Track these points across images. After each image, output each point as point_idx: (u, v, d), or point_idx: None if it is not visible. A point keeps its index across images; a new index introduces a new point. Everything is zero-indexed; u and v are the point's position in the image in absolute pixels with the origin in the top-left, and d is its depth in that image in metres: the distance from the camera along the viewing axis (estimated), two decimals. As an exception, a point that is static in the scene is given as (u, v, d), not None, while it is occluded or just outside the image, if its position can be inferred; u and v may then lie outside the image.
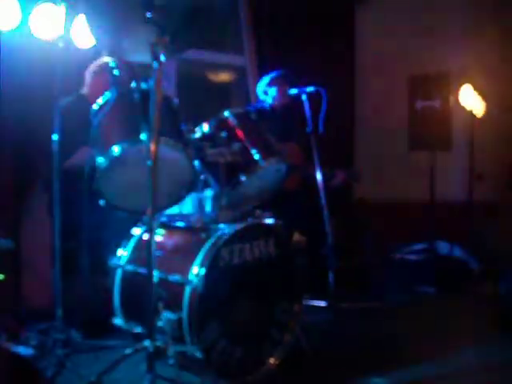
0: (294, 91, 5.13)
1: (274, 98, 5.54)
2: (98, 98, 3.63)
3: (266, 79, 5.61)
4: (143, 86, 3.41)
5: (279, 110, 5.57)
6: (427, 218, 6.41)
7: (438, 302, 5.54)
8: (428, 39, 6.87)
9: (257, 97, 5.74)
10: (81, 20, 4.34)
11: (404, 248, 6.49)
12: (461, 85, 6.32)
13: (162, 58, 3.00)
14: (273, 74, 5.59)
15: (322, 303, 4.84)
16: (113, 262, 3.78)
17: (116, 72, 3.74)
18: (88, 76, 4.57)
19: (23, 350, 3.72)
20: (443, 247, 6.36)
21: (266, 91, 5.59)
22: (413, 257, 6.33)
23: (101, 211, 3.63)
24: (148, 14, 3.01)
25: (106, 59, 4.49)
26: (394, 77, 6.91)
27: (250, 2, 6.41)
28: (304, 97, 5.01)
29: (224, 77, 7.20)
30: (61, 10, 3.77)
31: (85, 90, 4.59)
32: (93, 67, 4.57)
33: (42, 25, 4.42)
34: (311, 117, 5.00)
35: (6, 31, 4.43)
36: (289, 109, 5.54)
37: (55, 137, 3.65)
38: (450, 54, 6.69)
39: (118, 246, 3.84)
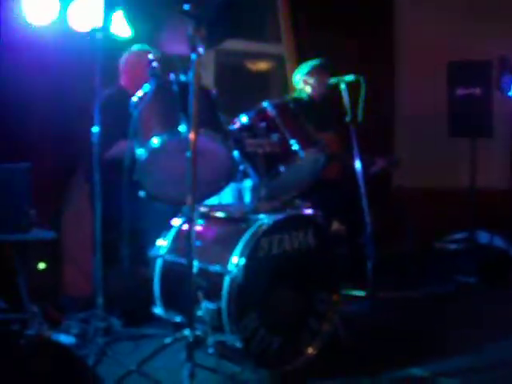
0: (332, 80, 5.10)
1: (312, 88, 5.52)
2: (136, 88, 3.67)
3: (304, 68, 5.59)
4: (182, 77, 3.43)
5: (318, 99, 5.55)
6: (467, 207, 6.35)
7: (478, 292, 5.49)
8: (469, 25, 6.78)
9: (295, 86, 5.72)
10: (119, 12, 4.38)
11: (444, 237, 6.44)
12: (502, 71, 6.25)
13: (200, 49, 3.01)
14: (311, 64, 5.56)
15: (361, 293, 4.83)
16: (153, 252, 3.81)
17: (154, 64, 3.76)
18: (125, 67, 4.61)
19: (64, 339, 3.78)
20: (484, 236, 6.30)
21: (305, 80, 5.56)
22: (453, 246, 6.28)
23: (141, 202, 3.66)
24: (185, 6, 3.02)
25: (143, 50, 4.53)
26: (433, 64, 6.82)
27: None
28: (343, 86, 4.98)
29: (262, 66, 7.20)
30: (99, 2, 3.80)
31: (122, 81, 4.63)
32: (129, 58, 4.61)
33: (80, 18, 4.47)
34: (350, 105, 4.97)
35: (44, 25, 4.48)
36: (327, 98, 5.52)
37: (95, 129, 3.70)
38: (491, 41, 6.60)
39: (159, 236, 3.87)
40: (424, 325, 4.55)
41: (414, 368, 3.67)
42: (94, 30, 3.84)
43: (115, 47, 4.59)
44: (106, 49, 3.83)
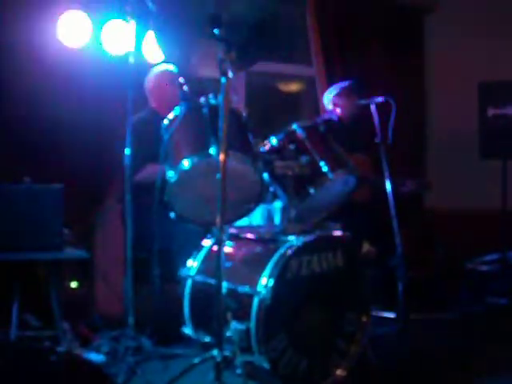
0: (362, 102, 5.12)
1: (342, 109, 5.54)
2: (165, 108, 3.72)
3: (334, 90, 5.61)
4: (212, 100, 3.48)
5: (348, 120, 5.56)
6: (499, 228, 6.30)
7: (509, 314, 5.43)
8: (498, 45, 6.76)
9: (325, 107, 5.74)
10: (150, 36, 4.45)
11: (476, 258, 6.39)
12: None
13: (230, 73, 3.06)
14: (341, 85, 5.58)
15: (391, 314, 4.82)
16: (183, 272, 3.85)
17: (185, 87, 3.82)
18: (151, 88, 4.67)
19: (95, 357, 3.82)
20: (516, 258, 6.23)
21: (335, 102, 5.58)
22: (484, 267, 6.22)
23: (171, 223, 3.70)
24: (215, 30, 3.08)
25: (167, 70, 4.60)
26: (464, 84, 6.81)
27: (317, 14, 6.43)
28: (373, 107, 4.99)
29: (293, 88, 7.24)
30: (131, 26, 3.87)
31: (152, 104, 4.69)
32: (155, 79, 4.67)
33: (112, 41, 4.55)
34: (380, 127, 4.98)
35: (78, 48, 4.57)
36: (357, 119, 5.54)
37: (127, 150, 3.76)
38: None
39: (189, 256, 3.91)
40: (454, 347, 4.51)
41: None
42: (126, 54, 3.91)
43: (147, 71, 4.68)
44: (138, 72, 3.89)
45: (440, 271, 6.14)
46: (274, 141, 3.83)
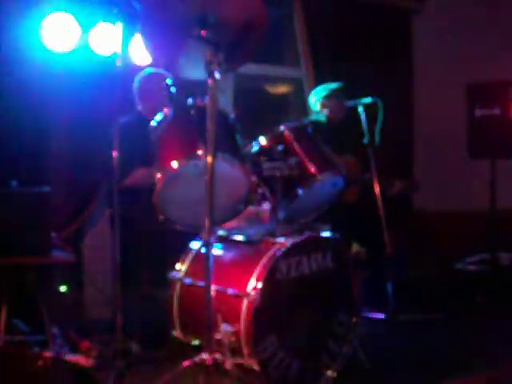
0: (350, 103, 5.12)
1: (330, 111, 5.54)
2: (152, 112, 3.71)
3: (321, 91, 5.60)
4: (199, 102, 3.47)
5: (336, 122, 5.56)
6: (488, 228, 6.32)
7: (499, 315, 5.44)
8: (485, 46, 6.79)
9: (313, 109, 5.74)
10: (137, 38, 4.44)
11: (465, 259, 6.41)
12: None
13: (217, 75, 3.05)
14: (329, 86, 5.58)
15: (381, 315, 4.82)
16: (172, 275, 3.84)
17: (172, 89, 3.80)
18: (139, 91, 4.66)
19: (84, 361, 3.80)
20: (505, 258, 6.25)
21: (323, 103, 5.58)
22: (474, 268, 6.24)
23: (160, 225, 3.68)
24: (202, 32, 3.07)
25: (155, 73, 4.59)
26: (451, 85, 6.84)
27: (305, 15, 6.44)
28: (360, 108, 5.00)
29: (281, 89, 7.24)
30: (118, 28, 3.86)
31: (139, 107, 4.67)
32: (143, 82, 4.65)
33: (100, 44, 4.54)
34: (368, 128, 4.99)
35: (66, 51, 4.55)
36: (345, 121, 5.54)
37: (115, 154, 3.74)
38: (509, 62, 6.60)
39: (177, 259, 3.89)
40: (444, 347, 4.52)
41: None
42: (114, 56, 3.89)
43: (135, 73, 4.66)
44: (125, 75, 3.88)
45: (429, 271, 6.15)
46: (261, 142, 3.82)
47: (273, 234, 3.75)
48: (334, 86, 5.58)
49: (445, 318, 5.18)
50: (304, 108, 6.52)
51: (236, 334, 3.33)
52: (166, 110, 3.57)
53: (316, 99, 5.62)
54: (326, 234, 3.81)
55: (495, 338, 4.73)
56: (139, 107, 4.67)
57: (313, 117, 5.65)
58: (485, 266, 6.20)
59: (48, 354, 3.44)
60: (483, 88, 6.45)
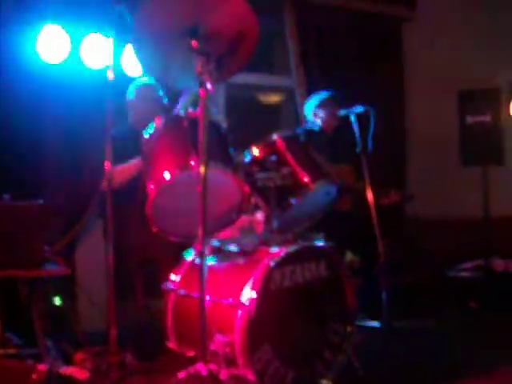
0: (342, 112, 5.13)
1: (323, 120, 5.55)
2: (144, 123, 3.71)
3: (314, 100, 5.62)
4: (191, 112, 3.47)
5: (329, 131, 5.57)
6: (481, 235, 6.33)
7: (493, 321, 5.44)
8: (477, 54, 6.81)
9: (306, 118, 5.75)
10: (129, 49, 4.45)
11: (458, 265, 6.41)
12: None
13: (208, 85, 3.06)
14: (321, 96, 5.60)
15: (375, 323, 4.82)
16: (166, 286, 3.83)
17: (164, 100, 3.81)
18: (132, 102, 4.65)
19: (78, 373, 3.78)
20: (498, 264, 6.26)
21: (315, 113, 5.59)
22: (467, 274, 6.24)
23: (154, 236, 3.67)
24: (193, 43, 3.08)
25: (150, 85, 4.59)
26: (443, 93, 6.87)
27: (296, 24, 6.46)
28: (353, 117, 5.01)
29: (273, 99, 7.25)
30: (109, 40, 3.86)
31: (130, 118, 4.66)
32: (136, 93, 4.65)
33: (91, 55, 4.54)
34: (361, 137, 4.99)
35: (56, 63, 4.56)
36: (338, 130, 5.55)
37: (107, 165, 3.73)
38: (500, 69, 6.64)
39: (171, 270, 3.88)
40: (438, 354, 4.52)
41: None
42: (105, 68, 3.89)
43: (126, 85, 4.66)
44: (117, 86, 3.88)
45: (423, 279, 6.14)
46: (254, 152, 3.82)
47: (266, 244, 3.75)
48: (325, 95, 5.60)
49: (439, 325, 5.18)
50: (296, 117, 6.54)
51: (231, 344, 3.32)
52: (157, 120, 3.57)
53: (309, 108, 5.64)
54: (319, 243, 3.80)
55: (489, 343, 4.73)
56: (131, 119, 4.66)
57: (306, 126, 5.66)
58: (478, 272, 6.21)
59: (42, 366, 3.43)
60: (474, 95, 6.49)
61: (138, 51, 3.30)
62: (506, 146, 6.39)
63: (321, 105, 5.56)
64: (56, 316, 4.71)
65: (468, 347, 4.66)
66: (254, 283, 3.37)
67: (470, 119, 6.49)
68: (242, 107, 6.65)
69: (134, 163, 4.15)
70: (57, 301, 4.75)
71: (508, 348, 4.61)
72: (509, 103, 6.31)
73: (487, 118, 6.40)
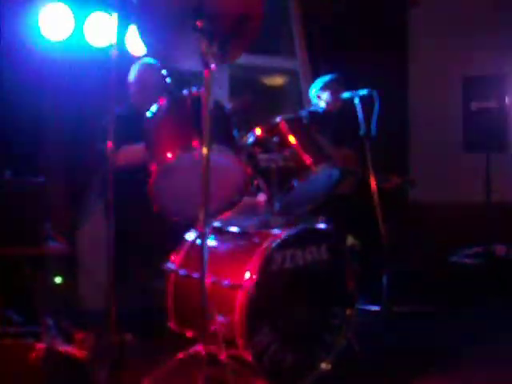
0: (346, 95, 5.11)
1: (327, 102, 5.53)
2: (146, 103, 3.69)
3: (318, 83, 5.61)
4: (195, 93, 3.45)
5: (332, 114, 5.56)
6: (483, 221, 6.32)
7: (493, 306, 5.44)
8: (482, 39, 6.78)
9: (310, 100, 5.73)
10: (133, 29, 4.42)
11: (459, 251, 6.41)
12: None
13: (212, 65, 3.04)
14: (325, 78, 5.58)
15: (376, 307, 4.82)
16: (166, 266, 3.83)
17: (168, 80, 3.78)
18: (135, 82, 4.63)
19: (78, 352, 3.79)
20: (500, 250, 6.25)
21: (318, 95, 5.58)
22: (468, 260, 6.24)
23: (155, 216, 3.67)
24: (198, 23, 3.06)
25: (153, 65, 4.57)
26: (447, 78, 6.84)
27: (301, 5, 6.42)
28: (357, 100, 4.98)
29: (277, 81, 7.22)
30: (113, 19, 3.83)
31: (133, 98, 4.64)
32: (138, 73, 4.63)
33: (95, 34, 4.52)
34: (364, 120, 4.97)
35: (60, 40, 4.53)
36: (342, 112, 5.53)
37: (109, 144, 3.72)
38: (506, 55, 6.60)
39: (172, 250, 3.88)
40: (439, 340, 4.53)
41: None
42: (109, 47, 3.87)
43: (130, 64, 4.64)
44: (120, 65, 3.86)
45: (424, 264, 6.15)
46: (257, 133, 3.80)
47: (268, 226, 3.74)
48: (329, 77, 5.58)
49: (439, 310, 5.18)
50: (300, 99, 6.51)
51: (231, 325, 3.32)
52: (161, 100, 3.55)
53: (313, 91, 5.63)
54: (321, 226, 3.80)
55: (489, 329, 4.74)
56: (133, 99, 4.64)
57: (310, 109, 5.64)
58: (480, 258, 6.20)
59: (41, 345, 3.43)
60: (480, 81, 6.45)
61: (141, 31, 3.28)
62: (510, 133, 6.36)
63: (324, 87, 5.55)
64: (57, 295, 4.71)
65: (467, 333, 4.67)
66: (254, 265, 3.37)
67: (474, 105, 6.46)
68: (245, 89, 6.62)
69: (140, 148, 4.13)
70: (58, 279, 4.75)
71: (508, 334, 4.62)
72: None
73: (492, 105, 6.37)
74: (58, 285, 4.75)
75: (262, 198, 3.94)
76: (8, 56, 4.58)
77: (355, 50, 6.65)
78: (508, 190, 6.72)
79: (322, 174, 3.88)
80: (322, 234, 3.77)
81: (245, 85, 6.65)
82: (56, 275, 4.73)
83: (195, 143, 3.29)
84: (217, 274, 3.45)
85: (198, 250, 3.37)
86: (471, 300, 5.60)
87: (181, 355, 3.22)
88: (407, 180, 5.82)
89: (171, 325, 3.78)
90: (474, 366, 3.95)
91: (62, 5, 4.59)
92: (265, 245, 3.46)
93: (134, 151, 4.15)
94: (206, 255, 3.09)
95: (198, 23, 3.09)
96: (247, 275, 3.35)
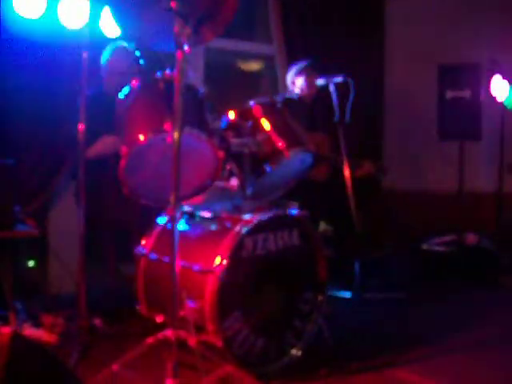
0: (321, 81, 5.10)
1: (301, 88, 5.52)
2: (118, 85, 3.65)
3: (293, 69, 5.59)
4: (168, 75, 3.41)
5: (307, 100, 5.54)
6: (455, 209, 6.36)
7: (465, 294, 5.49)
8: (459, 28, 6.79)
9: (286, 86, 5.72)
10: (106, 10, 4.37)
11: (431, 239, 6.44)
12: (492, 75, 6.28)
13: (185, 47, 3.00)
14: (300, 64, 5.56)
15: (347, 294, 4.83)
16: (137, 250, 3.80)
17: (141, 61, 3.74)
18: (107, 65, 4.59)
19: (47, 337, 3.76)
20: (471, 238, 6.30)
21: (293, 81, 5.56)
22: (440, 248, 6.28)
23: (126, 200, 3.64)
24: (172, 4, 3.02)
25: (126, 47, 4.53)
26: (423, 66, 6.85)
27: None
28: (331, 86, 4.98)
29: (252, 66, 7.19)
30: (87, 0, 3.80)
31: (105, 80, 4.60)
32: (112, 56, 4.59)
33: (68, 14, 4.45)
34: (339, 106, 4.97)
35: (32, 18, 4.46)
36: (316, 98, 5.52)
37: (81, 126, 3.68)
38: (481, 44, 6.63)
39: (143, 234, 3.85)
40: (411, 326, 4.56)
41: (400, 369, 3.67)
42: (82, 28, 3.83)
43: (103, 45, 4.59)
44: (93, 46, 3.81)
45: (396, 251, 6.18)
46: (230, 117, 3.77)
47: (239, 211, 3.73)
48: (303, 63, 5.56)
49: (411, 297, 5.21)
50: (275, 85, 6.49)
51: (200, 310, 3.31)
52: (133, 82, 3.51)
53: (288, 78, 5.61)
54: (293, 211, 3.79)
55: (460, 315, 4.78)
56: (105, 81, 4.59)
57: (284, 94, 5.63)
58: (451, 246, 6.24)
59: (6, 329, 3.39)
60: (455, 70, 6.47)
61: (115, 12, 3.23)
62: (484, 121, 6.39)
63: (299, 73, 5.53)
64: (26, 278, 4.68)
65: (439, 319, 4.70)
66: (225, 250, 3.36)
67: (449, 94, 6.47)
68: (221, 73, 6.58)
69: (112, 141, 4.09)
70: (31, 263, 4.71)
71: (479, 321, 4.66)
72: (489, 79, 6.29)
73: (466, 94, 6.39)
74: (30, 268, 4.71)
75: (234, 182, 3.91)
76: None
77: (331, 37, 6.63)
78: (480, 179, 6.77)
79: (294, 159, 3.85)
80: (293, 219, 3.76)
81: (220, 70, 6.61)
82: (29, 259, 4.70)
83: (167, 126, 3.25)
84: (187, 258, 3.43)
85: (168, 234, 3.35)
86: (443, 287, 5.65)
87: (150, 340, 3.18)
88: (380, 167, 5.83)
89: (141, 309, 3.76)
90: (446, 352, 3.98)
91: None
92: (236, 229, 3.44)
93: (110, 143, 4.11)
94: (177, 239, 3.06)
95: (172, 4, 3.05)
96: (218, 260, 3.33)
